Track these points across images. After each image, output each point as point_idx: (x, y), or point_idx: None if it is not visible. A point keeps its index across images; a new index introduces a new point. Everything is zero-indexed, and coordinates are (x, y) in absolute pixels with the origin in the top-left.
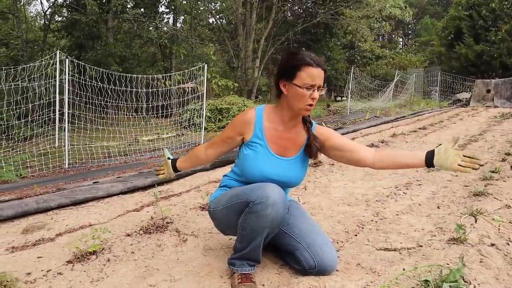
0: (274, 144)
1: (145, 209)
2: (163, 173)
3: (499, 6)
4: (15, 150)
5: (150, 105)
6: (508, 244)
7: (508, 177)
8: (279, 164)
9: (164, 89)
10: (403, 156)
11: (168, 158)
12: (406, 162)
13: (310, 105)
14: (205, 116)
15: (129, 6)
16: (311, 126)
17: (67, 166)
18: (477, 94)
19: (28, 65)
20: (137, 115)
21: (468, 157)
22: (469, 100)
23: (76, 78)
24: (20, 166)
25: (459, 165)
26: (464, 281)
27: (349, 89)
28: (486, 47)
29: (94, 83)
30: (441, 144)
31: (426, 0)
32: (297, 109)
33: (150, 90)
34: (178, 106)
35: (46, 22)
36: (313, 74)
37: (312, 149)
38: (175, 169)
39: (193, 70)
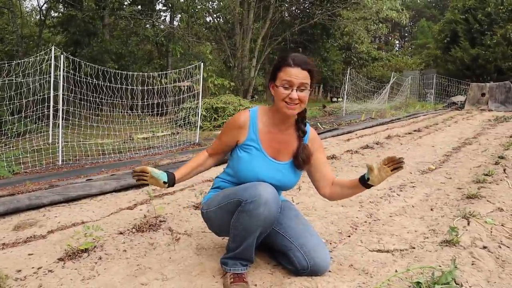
0: (268, 146)
1: (138, 207)
2: (145, 181)
3: (495, 11)
4: (8, 146)
5: (146, 103)
6: (500, 247)
7: (501, 180)
8: (274, 167)
9: (160, 87)
10: (346, 185)
11: (164, 182)
12: (349, 191)
13: (289, 104)
14: (201, 115)
15: (126, 3)
16: (304, 135)
17: (60, 163)
18: (472, 98)
19: (22, 61)
20: (132, 112)
21: (390, 161)
22: (464, 103)
23: (71, 75)
24: (13, 162)
25: (392, 170)
26: (456, 283)
27: (345, 90)
28: (482, 51)
29: (89, 79)
30: (368, 169)
31: (422, 3)
32: (279, 108)
33: (145, 88)
34: (173, 104)
35: (42, 18)
36: (290, 74)
37: (298, 162)
38: (172, 181)
39: (189, 68)
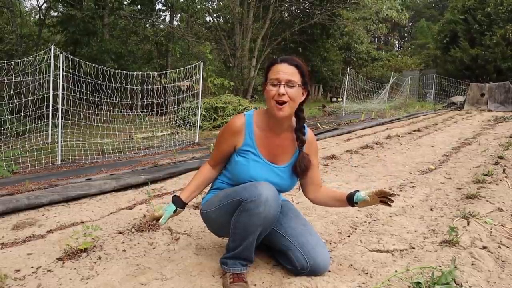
0: (265, 150)
1: (138, 207)
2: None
3: (494, 11)
4: (7, 146)
5: (145, 103)
6: (500, 247)
7: (500, 180)
8: (271, 171)
9: (159, 86)
10: (333, 197)
11: (174, 211)
12: (334, 202)
13: (278, 102)
14: (200, 115)
15: (125, 2)
16: (302, 145)
17: (59, 162)
18: (472, 98)
19: (22, 60)
20: (131, 112)
21: (382, 194)
22: (464, 103)
23: (70, 74)
24: (12, 162)
25: (381, 201)
26: (455, 284)
27: (344, 90)
28: (481, 51)
29: (89, 79)
30: (358, 191)
31: (422, 3)
32: (270, 108)
33: (145, 87)
34: (173, 104)
35: (41, 17)
36: (277, 70)
37: (297, 170)
38: (181, 205)
39: (189, 68)
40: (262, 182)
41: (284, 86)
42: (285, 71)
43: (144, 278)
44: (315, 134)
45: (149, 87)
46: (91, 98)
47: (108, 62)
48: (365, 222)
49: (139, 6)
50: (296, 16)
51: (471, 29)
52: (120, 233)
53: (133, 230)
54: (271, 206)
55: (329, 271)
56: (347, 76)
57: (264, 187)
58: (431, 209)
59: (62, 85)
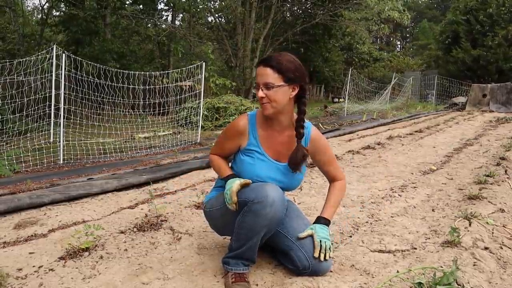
0: (270, 149)
1: (140, 207)
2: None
3: (496, 12)
4: (9, 145)
5: (147, 102)
6: (502, 248)
7: (502, 181)
8: (277, 169)
9: (161, 86)
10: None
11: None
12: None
13: (263, 103)
14: (202, 115)
15: (127, 2)
16: (300, 138)
17: (61, 161)
18: (473, 99)
19: (24, 59)
20: (133, 112)
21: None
22: (465, 104)
23: (72, 74)
24: (14, 161)
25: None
26: (457, 284)
27: (346, 90)
28: (483, 52)
29: (90, 79)
30: (319, 221)
31: (424, 4)
32: None
33: (147, 87)
34: (175, 104)
35: (43, 17)
36: (256, 73)
37: (290, 164)
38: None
39: (190, 68)
40: (269, 183)
41: (262, 89)
42: (261, 73)
43: (145, 277)
44: None
45: (151, 87)
46: (93, 97)
47: (110, 62)
48: (367, 222)
49: (141, 6)
50: (298, 16)
51: (473, 30)
52: (122, 232)
53: (135, 229)
54: (278, 207)
55: (331, 271)
56: (349, 77)
57: (270, 189)
58: (433, 210)
59: (64, 84)
